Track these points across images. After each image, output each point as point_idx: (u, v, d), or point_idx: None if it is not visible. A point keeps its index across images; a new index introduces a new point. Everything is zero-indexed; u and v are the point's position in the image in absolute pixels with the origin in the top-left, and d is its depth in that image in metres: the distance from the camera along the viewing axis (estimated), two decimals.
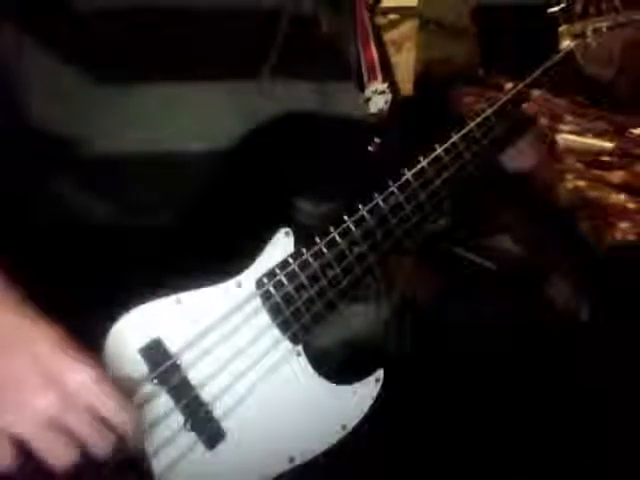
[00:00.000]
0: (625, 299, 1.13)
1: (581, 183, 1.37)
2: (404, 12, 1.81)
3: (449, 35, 1.84)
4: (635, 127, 1.66)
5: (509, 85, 0.80)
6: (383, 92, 0.80)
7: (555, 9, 0.80)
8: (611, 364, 1.02)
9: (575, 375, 0.95)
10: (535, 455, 0.84)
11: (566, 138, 1.57)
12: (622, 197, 1.31)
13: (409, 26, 1.80)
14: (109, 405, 0.54)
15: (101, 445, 0.54)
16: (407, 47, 1.80)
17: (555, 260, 1.34)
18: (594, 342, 1.06)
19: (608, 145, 1.58)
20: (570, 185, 1.37)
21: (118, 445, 0.55)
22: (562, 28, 0.80)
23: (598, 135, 1.64)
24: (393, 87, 0.82)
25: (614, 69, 0.80)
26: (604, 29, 0.80)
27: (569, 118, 1.67)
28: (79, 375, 0.53)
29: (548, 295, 1.30)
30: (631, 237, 1.18)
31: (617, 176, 1.41)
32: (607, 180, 1.40)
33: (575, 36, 0.80)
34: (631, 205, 1.28)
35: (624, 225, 1.20)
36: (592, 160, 1.49)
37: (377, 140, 0.77)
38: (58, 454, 0.53)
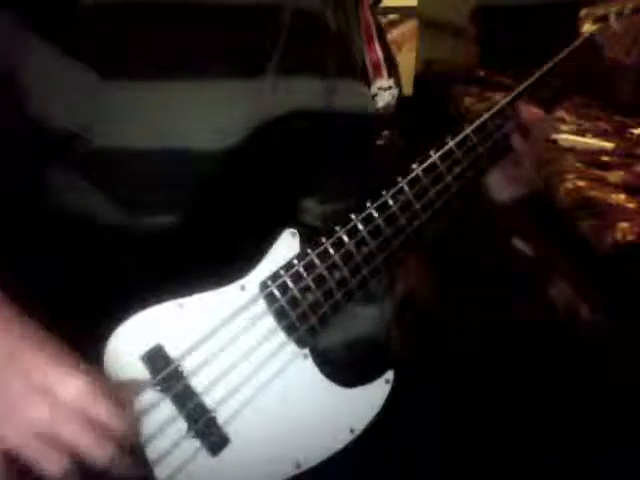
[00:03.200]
0: (625, 299, 1.13)
1: (581, 183, 1.37)
2: (404, 12, 1.81)
3: (449, 35, 1.84)
4: (635, 127, 1.66)
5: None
6: (389, 88, 0.79)
7: None
8: (612, 364, 1.02)
9: (575, 375, 0.95)
10: (536, 455, 0.84)
11: (566, 138, 1.57)
12: (622, 197, 1.31)
13: (409, 26, 1.81)
14: (104, 413, 0.54)
15: (98, 454, 0.54)
16: (407, 47, 1.81)
17: (555, 260, 1.34)
18: (594, 342, 1.06)
19: (608, 145, 1.58)
20: (570, 185, 1.36)
21: (116, 453, 0.55)
22: (583, 12, 0.78)
23: (598, 135, 1.64)
24: (398, 83, 0.81)
25: (636, 56, 0.77)
26: (628, 11, 0.77)
27: (569, 118, 1.67)
28: (71, 385, 0.53)
29: (548, 295, 1.30)
30: (631, 237, 1.18)
31: (617, 176, 1.41)
32: (607, 180, 1.39)
33: (596, 20, 0.77)
34: (631, 205, 1.28)
35: (624, 225, 1.19)
36: (592, 160, 1.49)
37: (385, 133, 0.76)
38: (51, 465, 0.52)
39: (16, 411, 0.52)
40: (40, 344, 0.54)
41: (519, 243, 1.17)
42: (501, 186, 0.77)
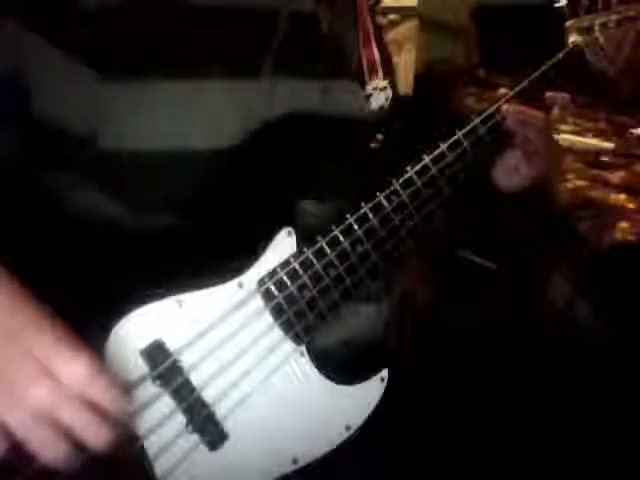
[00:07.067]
0: (625, 299, 1.13)
1: (581, 183, 1.37)
2: (404, 12, 1.81)
3: (449, 35, 1.84)
4: (635, 127, 1.66)
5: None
6: (384, 88, 0.80)
7: (562, 3, 0.80)
8: (611, 364, 1.02)
9: (575, 375, 0.95)
10: (535, 455, 0.84)
11: (566, 138, 1.57)
12: (622, 197, 1.31)
13: (409, 26, 1.80)
14: (104, 396, 0.53)
15: (95, 438, 0.53)
16: (407, 47, 1.81)
17: (555, 260, 1.34)
18: (594, 342, 1.06)
19: (608, 145, 1.58)
20: (570, 185, 1.37)
21: (114, 439, 0.54)
22: (569, 23, 0.80)
23: (598, 135, 1.64)
24: (393, 84, 0.82)
25: (622, 65, 0.79)
26: (612, 23, 0.78)
27: (569, 118, 1.67)
28: (74, 367, 0.53)
29: (548, 295, 1.30)
30: (631, 237, 1.18)
31: (617, 176, 1.42)
32: (607, 180, 1.40)
33: (582, 31, 0.79)
34: (631, 205, 1.29)
35: (624, 225, 1.20)
36: (592, 160, 1.49)
37: (379, 136, 0.77)
38: (49, 445, 0.52)
39: (17, 391, 0.51)
40: (45, 326, 0.54)
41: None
42: (502, 176, 0.79)
